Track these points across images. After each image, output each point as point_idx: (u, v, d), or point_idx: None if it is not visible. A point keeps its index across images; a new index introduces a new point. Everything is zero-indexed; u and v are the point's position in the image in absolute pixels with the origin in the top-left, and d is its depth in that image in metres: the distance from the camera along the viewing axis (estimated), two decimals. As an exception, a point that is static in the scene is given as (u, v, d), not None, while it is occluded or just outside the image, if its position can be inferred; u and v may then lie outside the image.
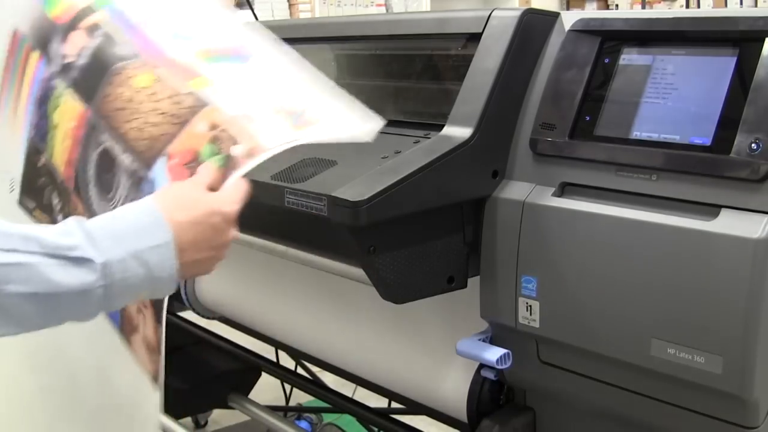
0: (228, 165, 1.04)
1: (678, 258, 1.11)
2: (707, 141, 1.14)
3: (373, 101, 1.19)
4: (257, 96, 1.11)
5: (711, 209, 1.10)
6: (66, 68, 1.29)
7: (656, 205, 1.16)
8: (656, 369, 1.16)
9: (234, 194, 0.98)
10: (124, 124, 1.15)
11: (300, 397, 2.55)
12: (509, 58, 1.31)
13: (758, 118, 1.08)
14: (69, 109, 1.26)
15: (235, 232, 0.98)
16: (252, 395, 2.19)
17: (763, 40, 1.11)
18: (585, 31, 1.31)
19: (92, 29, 1.27)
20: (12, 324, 0.82)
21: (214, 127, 1.07)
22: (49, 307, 0.82)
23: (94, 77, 1.23)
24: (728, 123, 1.12)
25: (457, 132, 1.29)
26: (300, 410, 2.59)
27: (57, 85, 1.30)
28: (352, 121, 1.08)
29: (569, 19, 1.34)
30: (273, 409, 2.23)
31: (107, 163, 1.17)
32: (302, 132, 1.06)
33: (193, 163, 1.06)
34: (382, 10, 6.01)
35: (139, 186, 1.11)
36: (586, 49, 1.29)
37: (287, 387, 2.45)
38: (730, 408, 1.13)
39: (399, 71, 1.64)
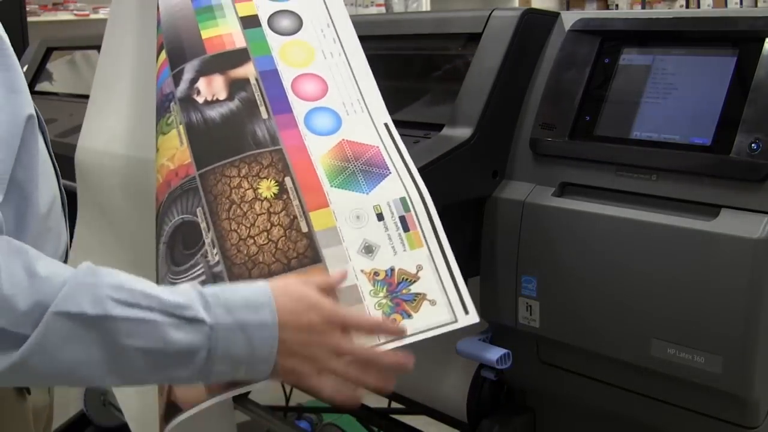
0: None
1: (678, 258, 1.11)
2: (707, 141, 1.14)
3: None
4: (366, 262, 1.07)
5: (711, 209, 1.10)
6: (190, 102, 1.20)
7: (656, 205, 1.16)
8: (656, 369, 1.16)
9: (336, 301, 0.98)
10: (228, 221, 1.09)
11: (300, 397, 2.55)
12: (509, 58, 1.31)
13: (758, 118, 1.08)
14: (173, 147, 1.18)
15: (338, 354, 0.94)
16: (252, 395, 2.19)
17: (763, 40, 1.11)
18: (585, 31, 1.31)
19: (236, 86, 1.20)
20: (119, 377, 0.85)
21: None
22: (157, 364, 0.85)
23: (216, 142, 1.16)
24: (728, 123, 1.12)
25: (457, 132, 1.29)
26: (300, 410, 2.59)
27: (173, 109, 1.21)
28: (452, 313, 1.05)
29: (569, 19, 1.34)
30: (273, 409, 2.23)
31: (190, 237, 1.10)
32: (393, 337, 1.02)
33: None
34: (382, 10, 6.01)
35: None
36: (586, 49, 1.29)
37: (287, 387, 2.45)
38: (730, 408, 1.13)
39: (399, 71, 1.64)
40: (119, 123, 1.44)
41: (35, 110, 0.99)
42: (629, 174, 1.19)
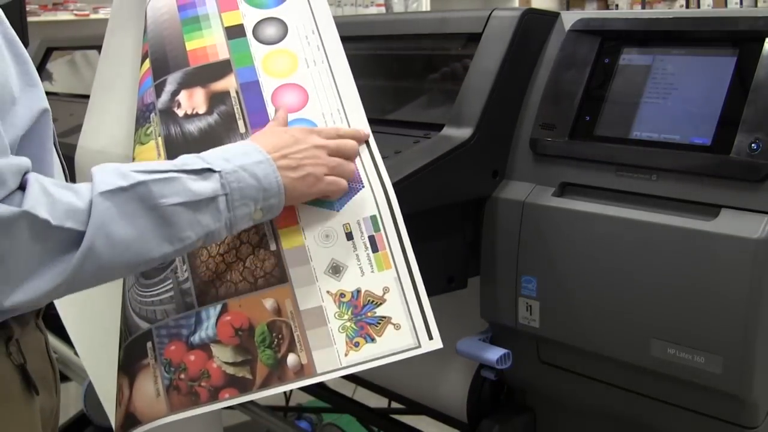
0: (275, 367, 1.05)
1: (678, 258, 1.11)
2: (707, 141, 1.14)
3: (373, 101, 1.19)
4: (333, 282, 1.08)
5: (711, 209, 1.10)
6: (170, 114, 1.22)
7: (656, 205, 1.16)
8: (656, 369, 1.16)
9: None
10: None
11: (300, 397, 2.55)
12: (509, 58, 1.31)
13: (758, 118, 1.08)
14: (150, 158, 1.19)
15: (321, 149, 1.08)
16: (252, 395, 2.19)
17: (763, 40, 1.11)
18: (585, 31, 1.31)
19: (216, 99, 1.21)
20: (168, 242, 0.94)
21: (279, 312, 1.07)
22: (194, 216, 0.95)
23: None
24: (728, 123, 1.12)
25: (457, 132, 1.29)
26: (300, 410, 2.59)
27: (153, 120, 1.23)
28: (416, 338, 1.06)
29: (569, 19, 1.34)
30: (273, 409, 2.23)
31: None
32: (358, 355, 1.05)
33: (242, 332, 1.06)
34: (382, 10, 6.01)
35: (186, 311, 1.08)
36: (586, 49, 1.29)
37: (287, 387, 2.44)
38: (730, 408, 1.13)
39: (399, 71, 1.64)
40: (119, 124, 1.44)
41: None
42: (629, 174, 1.19)
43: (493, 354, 1.32)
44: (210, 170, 0.97)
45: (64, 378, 2.06)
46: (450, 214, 1.33)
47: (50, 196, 0.86)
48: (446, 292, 1.33)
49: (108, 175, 0.91)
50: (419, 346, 1.05)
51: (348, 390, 2.11)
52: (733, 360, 1.08)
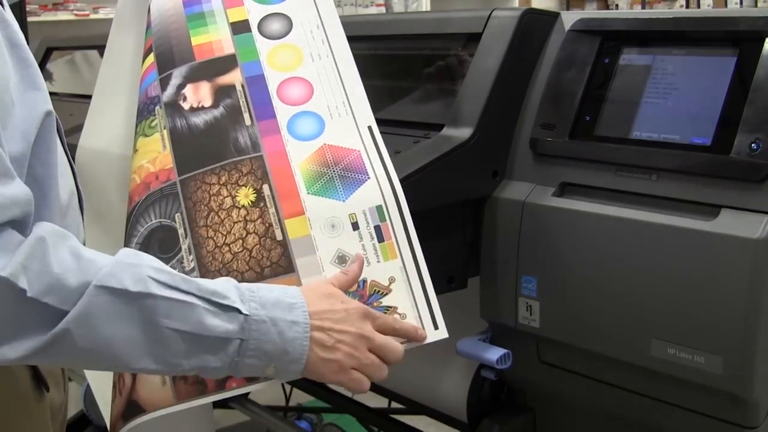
0: None
1: (678, 258, 1.11)
2: (707, 141, 1.14)
3: (373, 101, 1.19)
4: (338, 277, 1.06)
5: (711, 209, 1.10)
6: (176, 107, 1.21)
7: (656, 205, 1.16)
8: (656, 369, 1.16)
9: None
10: (205, 228, 1.10)
11: (300, 397, 2.55)
12: (509, 58, 1.31)
13: (758, 118, 1.08)
14: (155, 150, 1.19)
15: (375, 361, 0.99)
16: (252, 395, 2.18)
17: (763, 40, 1.11)
18: (585, 31, 1.31)
19: (222, 93, 1.21)
20: (153, 359, 0.87)
21: None
22: (191, 349, 0.88)
23: (198, 149, 1.17)
24: (728, 123, 1.12)
25: (457, 132, 1.29)
26: (300, 410, 2.59)
27: (158, 113, 1.22)
28: (420, 326, 1.05)
29: (569, 19, 1.34)
30: (273, 409, 2.23)
31: (167, 242, 1.11)
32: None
33: None
34: (382, 10, 6.01)
35: None
36: (586, 49, 1.29)
37: (287, 387, 2.45)
38: (730, 408, 1.13)
39: (399, 71, 1.64)
40: (119, 124, 1.44)
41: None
42: (629, 174, 1.19)
43: (493, 354, 1.32)
44: (237, 311, 0.89)
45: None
46: (450, 214, 1.33)
47: (44, 263, 0.82)
48: (446, 292, 1.33)
49: (123, 271, 0.85)
50: (425, 336, 1.05)
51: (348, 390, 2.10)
52: (733, 360, 1.08)
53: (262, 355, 0.91)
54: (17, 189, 0.84)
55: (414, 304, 1.06)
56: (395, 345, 1.00)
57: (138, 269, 0.86)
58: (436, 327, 1.05)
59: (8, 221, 0.83)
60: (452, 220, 1.34)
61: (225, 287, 0.91)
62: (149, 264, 0.88)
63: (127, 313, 0.84)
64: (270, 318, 0.91)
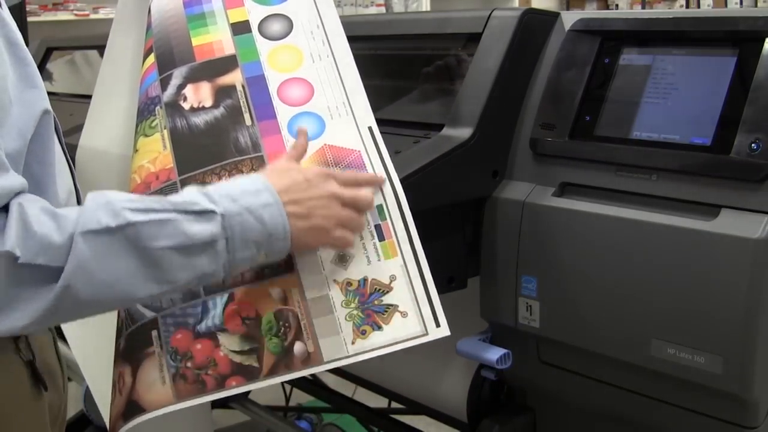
0: (282, 355, 1.05)
1: (678, 258, 1.11)
2: (707, 141, 1.14)
3: (373, 101, 1.19)
4: (340, 271, 1.08)
5: (711, 209, 1.10)
6: (176, 107, 1.22)
7: (656, 205, 1.16)
8: (656, 369, 1.16)
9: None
10: None
11: (300, 397, 2.55)
12: (509, 58, 1.31)
13: (758, 118, 1.08)
14: (155, 150, 1.19)
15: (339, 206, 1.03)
16: (252, 395, 2.19)
17: (763, 40, 1.11)
18: (585, 31, 1.31)
19: (222, 93, 1.21)
20: (155, 283, 0.90)
21: (285, 301, 1.07)
22: (187, 260, 0.91)
23: (198, 149, 1.17)
24: (728, 123, 1.12)
25: (457, 132, 1.29)
26: (300, 410, 2.59)
27: (158, 113, 1.22)
28: (423, 325, 1.05)
29: (569, 19, 1.34)
30: (273, 409, 2.23)
31: None
32: (365, 342, 1.05)
33: (249, 321, 1.06)
34: (382, 10, 6.01)
35: (192, 300, 1.08)
36: (586, 49, 1.29)
37: (287, 387, 2.45)
38: (730, 408, 1.13)
39: (399, 71, 1.64)
40: (119, 124, 1.45)
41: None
42: (629, 174, 1.19)
43: (493, 354, 1.32)
44: (212, 212, 0.92)
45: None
46: (450, 214, 1.33)
47: (27, 229, 0.83)
48: (446, 293, 1.34)
49: (98, 211, 0.87)
50: (426, 334, 1.05)
51: (348, 390, 2.11)
52: (733, 360, 1.08)
53: (250, 245, 0.94)
54: (13, 179, 0.86)
55: (415, 301, 1.06)
56: (364, 193, 1.06)
57: (111, 206, 0.88)
58: (437, 324, 1.05)
59: (3, 207, 0.85)
60: (452, 220, 1.34)
61: (193, 196, 0.94)
62: (119, 198, 0.89)
63: (116, 248, 0.86)
64: (244, 208, 0.94)
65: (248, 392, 2.30)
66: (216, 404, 2.31)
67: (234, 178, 1.01)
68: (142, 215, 0.88)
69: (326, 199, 1.02)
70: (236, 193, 0.95)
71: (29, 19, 4.05)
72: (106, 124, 1.48)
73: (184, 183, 1.14)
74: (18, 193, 0.86)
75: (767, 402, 1.13)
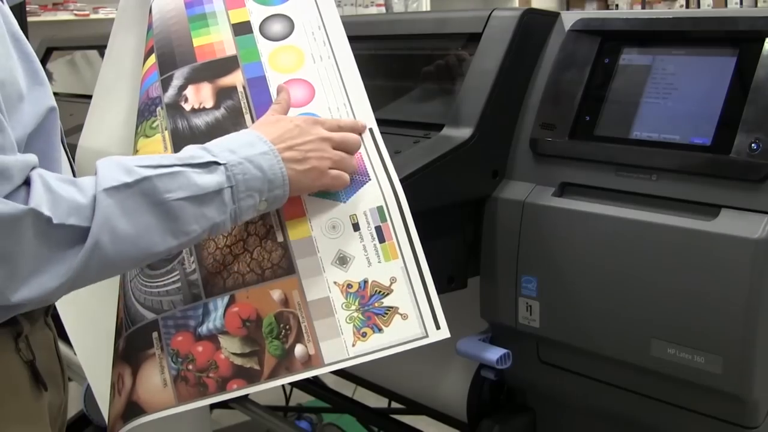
0: (282, 358, 1.05)
1: (678, 258, 1.11)
2: (707, 141, 1.14)
3: (373, 101, 1.19)
4: (340, 273, 1.08)
5: (711, 209, 1.10)
6: (177, 108, 1.22)
7: (656, 205, 1.16)
8: (656, 369, 1.16)
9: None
10: None
11: (300, 397, 2.55)
12: (509, 58, 1.31)
13: (758, 118, 1.08)
14: (156, 151, 1.19)
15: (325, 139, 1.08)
16: (252, 395, 2.19)
17: (763, 40, 1.11)
18: (585, 31, 1.31)
19: (223, 94, 1.22)
20: (173, 235, 0.94)
21: (286, 303, 1.07)
22: (200, 210, 0.95)
23: None
24: (728, 123, 1.12)
25: (457, 132, 1.29)
26: (300, 410, 2.59)
27: (159, 114, 1.23)
28: (423, 328, 1.05)
29: (569, 19, 1.34)
30: (273, 409, 2.23)
31: None
32: (365, 345, 1.05)
33: (249, 323, 1.06)
34: (382, 10, 6.01)
35: (193, 302, 1.08)
36: (586, 49, 1.29)
37: (287, 387, 2.45)
38: (730, 408, 1.13)
39: (399, 71, 1.64)
40: (119, 124, 1.45)
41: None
42: (629, 174, 1.19)
43: (493, 354, 1.32)
44: (216, 163, 0.97)
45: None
46: (450, 214, 1.33)
47: (53, 193, 0.87)
48: (446, 292, 1.34)
49: (112, 170, 0.91)
50: (426, 336, 1.05)
51: (348, 390, 2.11)
52: (733, 360, 1.08)
53: (253, 192, 0.99)
54: (28, 155, 0.89)
55: (415, 303, 1.06)
56: (351, 136, 1.11)
57: (122, 164, 0.92)
58: (438, 327, 1.05)
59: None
60: (452, 220, 1.34)
61: (194, 151, 0.98)
62: (129, 160, 0.94)
63: (136, 202, 0.91)
64: (243, 158, 0.98)
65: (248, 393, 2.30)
66: (216, 404, 2.31)
67: (227, 136, 1.04)
68: (153, 170, 0.92)
69: (318, 141, 1.06)
70: (234, 146, 0.99)
71: (29, 19, 4.05)
72: (106, 125, 1.48)
73: None
74: (33, 168, 0.89)
75: (767, 402, 1.13)
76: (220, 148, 0.99)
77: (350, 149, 1.10)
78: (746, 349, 1.07)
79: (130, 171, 0.91)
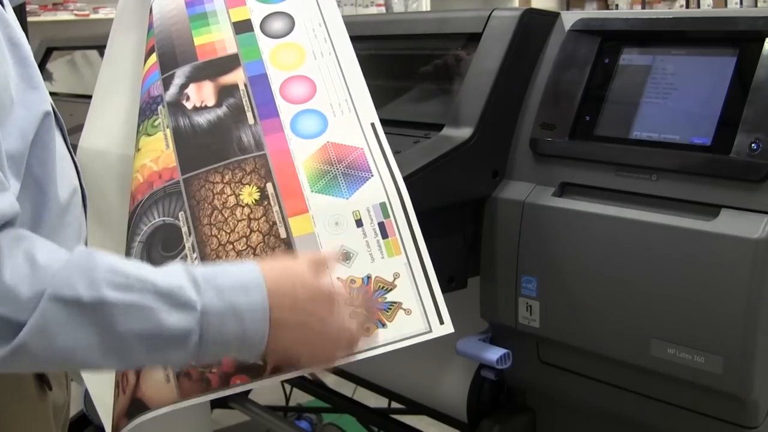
0: None
1: (678, 258, 1.11)
2: (707, 141, 1.14)
3: (373, 101, 1.19)
4: (343, 269, 1.07)
5: (711, 209, 1.10)
6: (179, 107, 1.22)
7: (656, 205, 1.16)
8: (656, 369, 1.16)
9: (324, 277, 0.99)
10: (209, 227, 1.10)
11: (300, 397, 2.55)
12: (509, 58, 1.31)
13: (758, 118, 1.08)
14: (158, 149, 1.19)
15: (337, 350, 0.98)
16: (252, 395, 2.19)
17: (763, 40, 1.11)
18: (585, 31, 1.31)
19: (225, 92, 1.21)
20: (116, 359, 0.86)
21: None
22: (152, 347, 0.85)
23: (201, 148, 1.17)
24: (728, 123, 1.12)
25: (457, 132, 1.29)
26: (300, 410, 2.59)
27: (161, 112, 1.23)
28: (427, 323, 1.05)
29: (569, 19, 1.34)
30: (273, 409, 2.23)
31: (170, 240, 1.11)
32: (369, 340, 1.03)
33: None
34: (382, 10, 6.01)
35: None
36: (586, 49, 1.29)
37: (287, 387, 2.45)
38: (730, 408, 1.13)
39: (399, 71, 1.64)
40: (120, 125, 1.45)
41: (53, 107, 1.00)
42: (629, 174, 1.19)
43: (493, 354, 1.32)
44: (192, 306, 0.86)
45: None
46: (450, 214, 1.33)
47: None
48: (446, 292, 1.33)
49: (73, 275, 0.82)
50: (430, 331, 1.05)
51: (348, 390, 2.11)
52: (733, 360, 1.08)
53: (224, 343, 0.89)
54: (6, 202, 0.84)
55: (419, 299, 1.06)
56: (347, 331, 0.98)
57: (91, 273, 0.83)
58: (441, 322, 1.05)
59: None
60: (452, 220, 1.34)
61: (179, 278, 0.87)
62: (103, 265, 0.84)
63: (83, 321, 0.82)
64: (228, 306, 0.88)
65: (248, 392, 2.30)
66: (216, 404, 2.31)
67: (233, 262, 0.96)
68: (119, 293, 0.83)
69: (314, 319, 0.94)
70: (226, 285, 0.89)
71: (29, 19, 4.05)
72: (107, 124, 1.48)
73: (187, 182, 1.15)
74: (8, 223, 0.83)
75: (767, 402, 1.13)
76: (210, 283, 0.88)
77: (340, 344, 0.99)
78: (746, 349, 1.07)
79: (93, 284, 0.82)
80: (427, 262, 1.08)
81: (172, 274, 0.88)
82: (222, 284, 0.89)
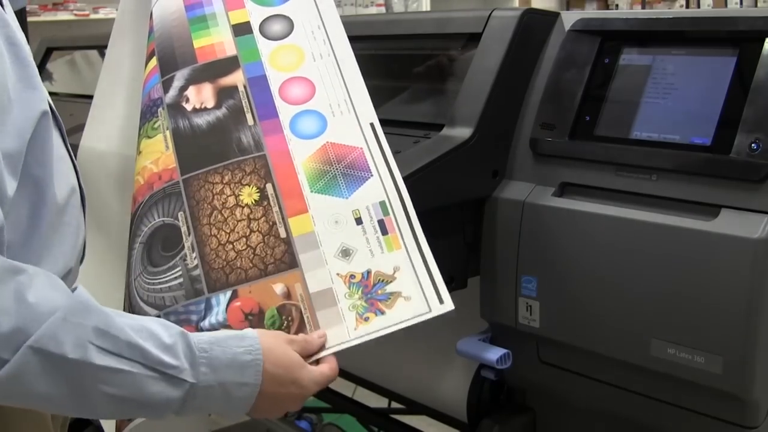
0: None
1: (678, 258, 1.11)
2: (707, 141, 1.14)
3: (373, 101, 1.19)
4: (343, 265, 1.08)
5: (711, 209, 1.10)
6: (179, 108, 1.22)
7: (656, 205, 1.16)
8: (656, 369, 1.16)
9: (323, 379, 1.01)
10: (208, 227, 1.11)
11: (300, 397, 2.55)
12: (509, 58, 1.31)
13: (758, 118, 1.08)
14: (158, 151, 1.20)
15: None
16: (252, 395, 2.19)
17: (763, 40, 1.11)
18: (585, 31, 1.31)
19: (224, 94, 1.22)
20: (90, 413, 0.86)
21: (289, 296, 1.07)
22: (128, 409, 0.86)
23: (201, 149, 1.18)
24: (728, 123, 1.12)
25: (457, 132, 1.29)
26: (300, 410, 2.59)
27: (160, 114, 1.23)
28: (426, 304, 1.05)
29: (569, 19, 1.34)
30: (273, 409, 2.23)
31: (170, 240, 1.12)
32: (368, 326, 1.04)
33: (252, 317, 1.06)
34: (382, 10, 6.01)
35: (195, 297, 1.08)
36: (586, 49, 1.29)
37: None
38: (730, 408, 1.13)
39: (399, 71, 1.64)
40: (120, 126, 1.45)
41: (51, 107, 1.00)
42: (629, 174, 1.19)
43: (493, 354, 1.32)
44: (182, 381, 0.87)
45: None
46: (450, 214, 1.33)
47: None
48: (446, 292, 1.34)
49: (60, 330, 0.81)
50: (430, 311, 1.05)
51: (348, 390, 2.10)
52: (733, 360, 1.08)
53: (205, 409, 0.91)
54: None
55: (419, 285, 1.06)
56: (319, 385, 1.02)
57: (81, 331, 0.82)
58: (441, 301, 1.05)
59: None
60: (452, 220, 1.34)
61: (175, 352, 0.87)
62: (95, 325, 0.84)
63: (62, 376, 0.81)
64: (219, 383, 0.90)
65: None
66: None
67: (232, 336, 0.96)
68: (106, 358, 0.83)
69: (301, 399, 0.99)
70: (222, 362, 0.90)
71: (29, 19, 4.05)
72: (107, 128, 1.48)
73: (186, 182, 1.15)
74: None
75: (767, 402, 1.13)
76: (206, 356, 0.89)
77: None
78: (746, 349, 1.07)
79: (82, 346, 0.81)
80: (426, 253, 1.08)
81: (167, 345, 0.88)
82: (218, 360, 0.90)
